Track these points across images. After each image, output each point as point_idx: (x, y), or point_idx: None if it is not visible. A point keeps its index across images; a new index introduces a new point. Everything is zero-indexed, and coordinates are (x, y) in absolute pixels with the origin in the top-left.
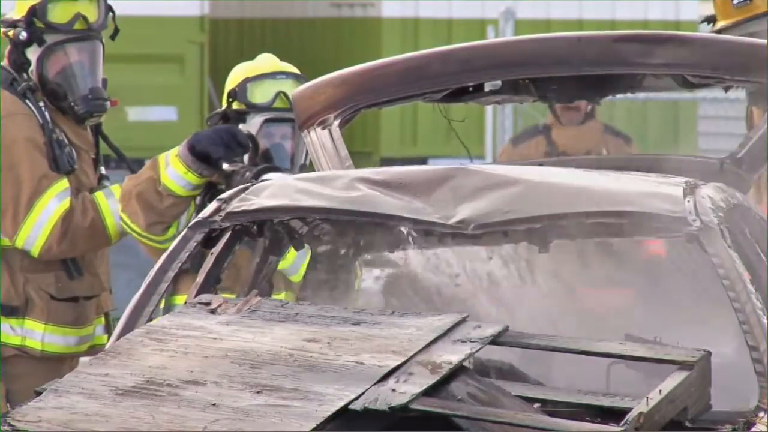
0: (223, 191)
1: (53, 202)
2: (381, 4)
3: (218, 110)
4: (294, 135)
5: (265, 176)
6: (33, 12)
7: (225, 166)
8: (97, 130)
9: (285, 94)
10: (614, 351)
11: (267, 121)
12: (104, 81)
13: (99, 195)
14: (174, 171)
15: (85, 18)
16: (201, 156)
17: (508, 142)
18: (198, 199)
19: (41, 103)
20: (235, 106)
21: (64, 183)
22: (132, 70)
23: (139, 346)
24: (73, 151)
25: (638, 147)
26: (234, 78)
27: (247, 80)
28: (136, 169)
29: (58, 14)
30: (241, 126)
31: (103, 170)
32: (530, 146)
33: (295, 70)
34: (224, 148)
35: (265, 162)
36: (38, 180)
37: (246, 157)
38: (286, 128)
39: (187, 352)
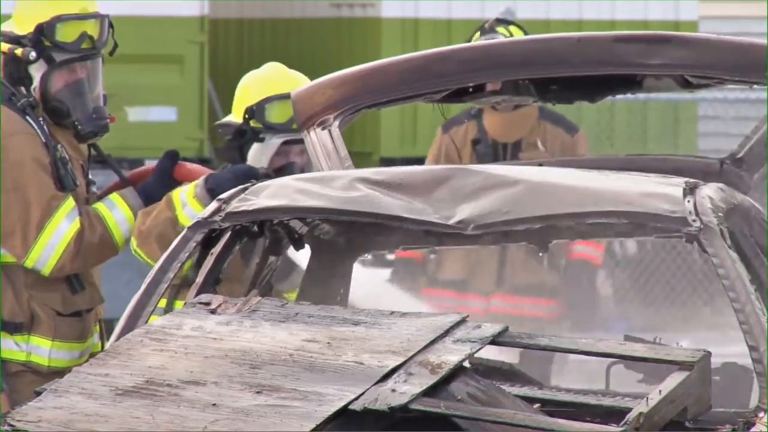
0: None
1: (64, 223)
2: (381, 4)
3: (232, 121)
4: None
5: None
6: (40, 30)
7: None
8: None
9: None
10: (614, 351)
11: (285, 142)
12: (104, 98)
13: (101, 207)
14: (192, 212)
15: (91, 37)
16: None
17: (439, 128)
18: None
19: (41, 119)
20: (252, 123)
21: (71, 203)
22: (132, 70)
23: (139, 347)
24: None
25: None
26: (250, 93)
27: (265, 100)
28: (124, 176)
29: (65, 33)
30: (256, 145)
31: (89, 175)
32: (460, 132)
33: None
34: None
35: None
36: (47, 201)
37: None
38: (303, 148)
39: (186, 353)
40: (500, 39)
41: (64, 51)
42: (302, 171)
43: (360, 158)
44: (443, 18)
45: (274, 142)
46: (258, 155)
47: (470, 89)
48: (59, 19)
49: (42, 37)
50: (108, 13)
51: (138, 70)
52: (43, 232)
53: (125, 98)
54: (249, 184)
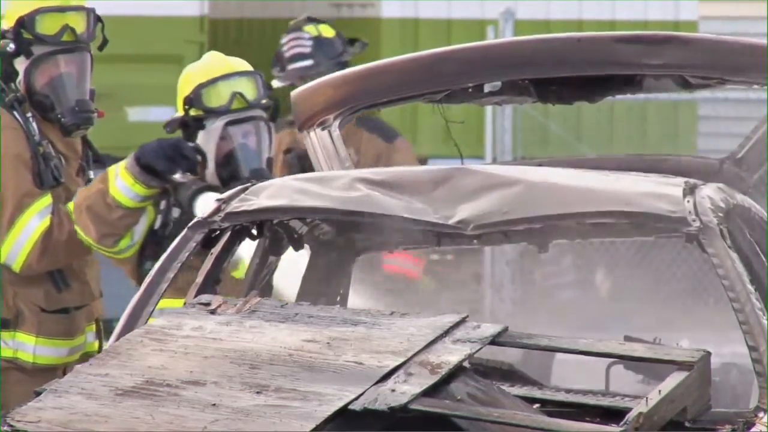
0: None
1: (34, 220)
2: (381, 4)
3: (176, 116)
4: (256, 131)
5: (202, 196)
6: (21, 23)
7: (177, 176)
8: (83, 137)
9: (241, 94)
10: (614, 351)
11: (227, 124)
12: (92, 92)
13: (72, 205)
14: (122, 183)
15: (73, 30)
16: (147, 168)
17: None
18: (162, 204)
19: (29, 115)
20: (192, 112)
21: (46, 200)
22: (131, 70)
23: (139, 347)
24: (62, 161)
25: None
26: (186, 83)
27: (200, 86)
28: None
29: (46, 26)
30: (201, 133)
31: (91, 174)
32: (275, 139)
33: (247, 66)
34: (167, 161)
35: (229, 164)
36: (21, 198)
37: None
38: (248, 127)
39: (186, 353)
40: (306, 35)
41: (44, 43)
42: (258, 152)
43: None
44: (443, 18)
45: (217, 125)
46: (204, 143)
47: (470, 89)
48: (39, 11)
49: (22, 29)
50: (94, 7)
51: (138, 70)
52: (12, 229)
53: (125, 98)
54: (249, 184)
